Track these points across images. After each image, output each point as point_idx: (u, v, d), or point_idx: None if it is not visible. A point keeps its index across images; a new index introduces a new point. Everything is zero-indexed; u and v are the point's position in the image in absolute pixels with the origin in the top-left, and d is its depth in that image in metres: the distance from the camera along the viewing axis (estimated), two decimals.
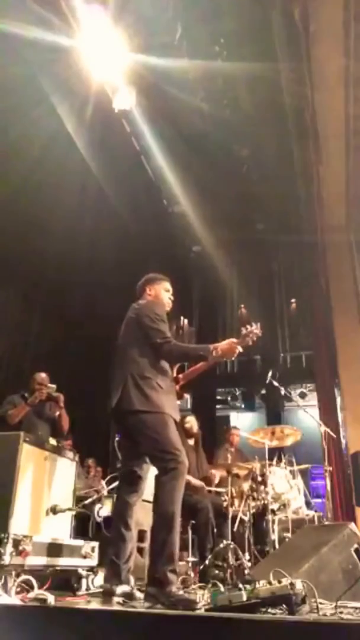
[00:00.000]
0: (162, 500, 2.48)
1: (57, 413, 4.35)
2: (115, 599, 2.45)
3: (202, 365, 3.08)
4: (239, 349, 2.83)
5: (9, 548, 2.41)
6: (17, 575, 2.45)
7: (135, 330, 2.85)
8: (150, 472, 2.82)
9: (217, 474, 4.82)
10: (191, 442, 4.82)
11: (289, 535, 4.35)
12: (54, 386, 4.29)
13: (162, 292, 3.11)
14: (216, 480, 4.80)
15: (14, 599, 2.29)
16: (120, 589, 2.51)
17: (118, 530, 2.65)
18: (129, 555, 2.66)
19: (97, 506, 3.92)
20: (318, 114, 6.66)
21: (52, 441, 3.92)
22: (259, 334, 2.92)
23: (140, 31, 5.51)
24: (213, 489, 4.73)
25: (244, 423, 11.03)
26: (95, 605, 2.44)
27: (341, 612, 1.81)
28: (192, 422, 4.89)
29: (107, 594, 2.50)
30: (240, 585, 1.90)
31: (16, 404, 4.15)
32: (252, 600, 1.82)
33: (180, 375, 3.14)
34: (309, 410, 6.20)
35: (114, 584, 2.52)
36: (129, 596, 2.49)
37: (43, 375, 4.40)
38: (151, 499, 2.61)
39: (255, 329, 2.91)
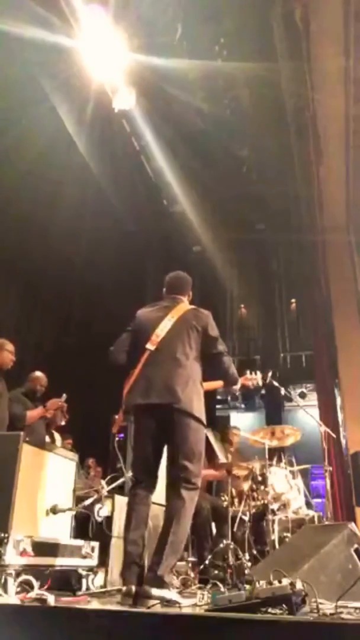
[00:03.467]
0: (182, 518, 2.48)
1: (63, 422, 4.38)
2: (124, 600, 2.38)
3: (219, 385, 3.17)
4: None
5: (9, 548, 2.41)
6: (17, 575, 2.44)
7: (195, 336, 2.81)
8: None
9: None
10: None
11: (289, 535, 4.34)
12: (64, 396, 4.27)
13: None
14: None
15: (14, 599, 2.29)
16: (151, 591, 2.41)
17: (141, 532, 2.57)
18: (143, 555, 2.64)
19: (97, 506, 3.90)
20: (318, 114, 6.65)
21: (57, 442, 3.93)
22: (259, 383, 3.50)
23: (140, 31, 5.52)
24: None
25: (244, 423, 11.01)
26: (95, 605, 2.43)
27: (341, 612, 1.81)
28: None
29: (127, 596, 2.41)
30: (240, 585, 1.89)
31: (26, 404, 4.13)
32: (252, 600, 1.81)
33: None
34: (309, 410, 6.18)
35: (133, 584, 2.44)
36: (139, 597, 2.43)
37: (41, 374, 4.42)
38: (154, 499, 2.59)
39: (257, 378, 3.48)
